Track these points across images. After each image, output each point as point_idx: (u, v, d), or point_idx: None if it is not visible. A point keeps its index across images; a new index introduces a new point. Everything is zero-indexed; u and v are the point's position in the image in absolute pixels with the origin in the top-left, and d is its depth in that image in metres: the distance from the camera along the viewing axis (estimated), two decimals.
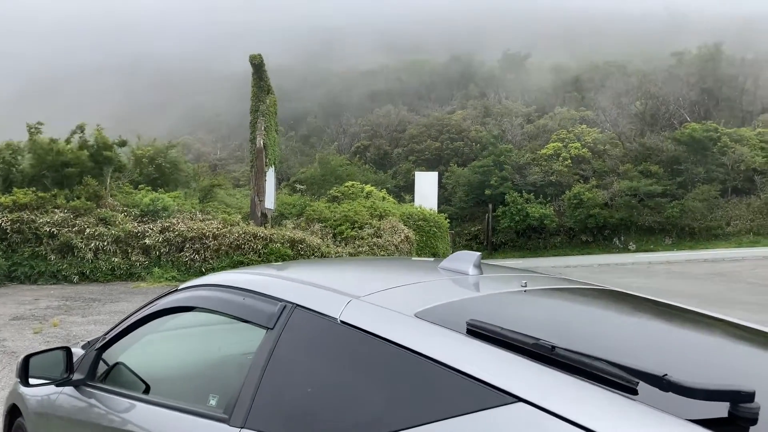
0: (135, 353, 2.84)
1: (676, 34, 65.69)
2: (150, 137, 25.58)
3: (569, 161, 38.22)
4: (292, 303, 1.97)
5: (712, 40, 52.14)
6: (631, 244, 35.00)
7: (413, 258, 4.05)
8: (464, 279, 2.20)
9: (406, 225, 21.04)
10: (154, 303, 2.67)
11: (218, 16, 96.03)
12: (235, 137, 54.85)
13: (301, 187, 34.30)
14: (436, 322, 1.65)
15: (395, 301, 1.86)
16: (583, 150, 39.06)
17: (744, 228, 33.79)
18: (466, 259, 2.28)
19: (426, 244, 22.79)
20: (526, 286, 2.11)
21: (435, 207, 26.16)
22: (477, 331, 1.55)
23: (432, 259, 3.25)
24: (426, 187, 27.21)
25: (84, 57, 79.61)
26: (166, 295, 2.66)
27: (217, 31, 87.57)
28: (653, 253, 31.90)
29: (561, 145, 39.55)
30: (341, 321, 1.78)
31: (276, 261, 17.38)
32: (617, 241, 35.52)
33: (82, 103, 57.59)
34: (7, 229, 16.20)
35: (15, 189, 17.49)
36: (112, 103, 65.14)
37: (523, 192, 36.32)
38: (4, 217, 16.28)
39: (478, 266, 2.27)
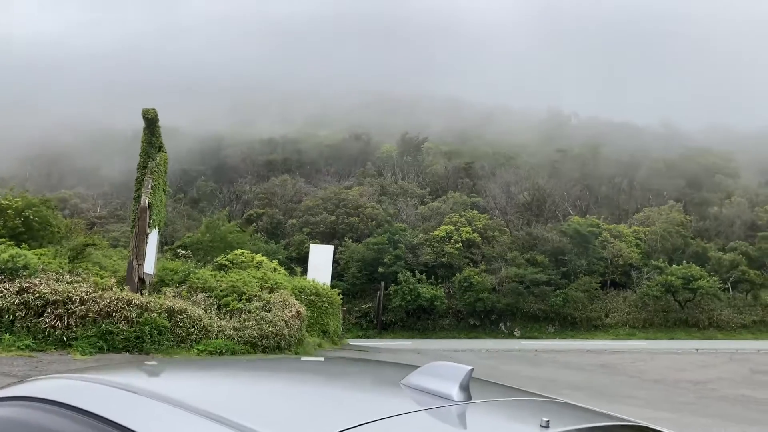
0: None
1: (558, 133, 70.60)
2: (19, 187, 23.33)
3: (460, 244, 38.84)
4: None
5: (592, 141, 56.30)
6: (516, 330, 35.53)
7: (349, 359, 3.17)
8: (450, 411, 1.46)
9: (297, 299, 19.96)
10: None
11: (107, 71, 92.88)
12: (118, 195, 51.81)
13: (186, 252, 32.29)
14: None
15: None
16: (474, 234, 39.91)
17: (621, 320, 35.29)
18: (447, 376, 1.54)
19: (317, 320, 21.78)
20: (548, 427, 1.39)
21: (328, 281, 25.35)
22: None
23: (377, 361, 2.46)
24: (320, 260, 26.39)
25: None
26: None
27: (106, 85, 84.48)
28: (537, 341, 32.46)
29: (453, 228, 40.26)
30: None
31: (150, 332, 15.69)
32: (503, 326, 35.97)
33: None
34: None
35: None
36: None
37: (416, 272, 36.28)
38: None
39: (466, 388, 1.53)
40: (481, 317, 36.13)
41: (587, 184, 49.13)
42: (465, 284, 35.53)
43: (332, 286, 25.70)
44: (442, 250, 38.43)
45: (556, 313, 35.41)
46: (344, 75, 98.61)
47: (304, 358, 3.16)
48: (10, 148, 61.39)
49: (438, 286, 36.13)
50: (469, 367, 1.56)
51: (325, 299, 22.53)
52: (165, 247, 33.05)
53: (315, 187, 50.80)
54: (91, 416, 1.34)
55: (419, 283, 35.56)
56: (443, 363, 1.62)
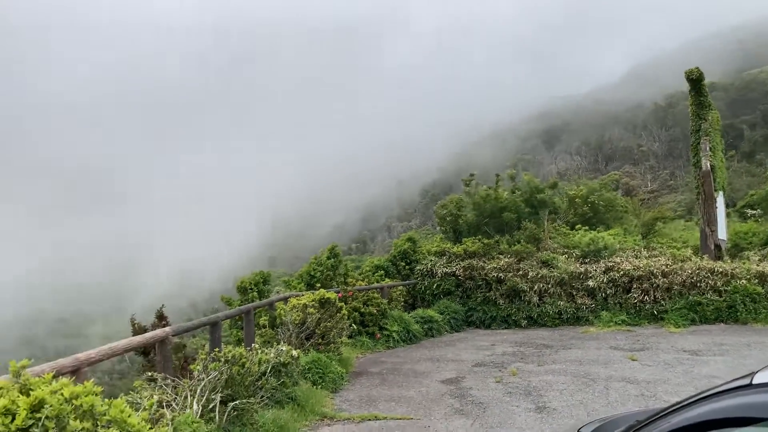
0: None
1: None
2: (575, 177, 25.20)
3: None
4: None
5: None
6: None
7: None
8: None
9: None
10: (699, 404, 1.62)
11: None
12: (664, 166, 51.12)
13: (754, 212, 29.48)
14: None
15: None
16: None
17: None
18: None
19: None
20: None
21: None
22: None
23: None
24: None
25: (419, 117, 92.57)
26: (722, 392, 1.58)
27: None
28: None
29: None
30: None
31: (743, 300, 14.56)
32: None
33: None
34: (460, 276, 17.39)
35: (464, 239, 18.84)
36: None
37: None
38: (457, 265, 17.54)
39: None
40: None
41: None
42: None
43: None
44: None
45: None
46: None
47: None
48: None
49: None
50: None
51: None
52: (727, 210, 30.82)
53: None
54: None
55: None
56: None
